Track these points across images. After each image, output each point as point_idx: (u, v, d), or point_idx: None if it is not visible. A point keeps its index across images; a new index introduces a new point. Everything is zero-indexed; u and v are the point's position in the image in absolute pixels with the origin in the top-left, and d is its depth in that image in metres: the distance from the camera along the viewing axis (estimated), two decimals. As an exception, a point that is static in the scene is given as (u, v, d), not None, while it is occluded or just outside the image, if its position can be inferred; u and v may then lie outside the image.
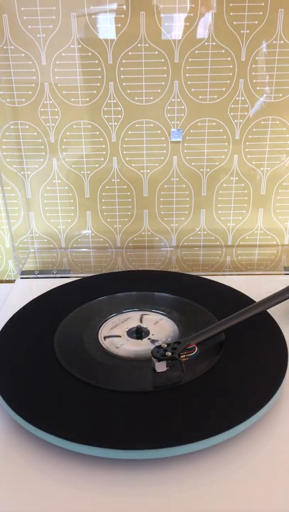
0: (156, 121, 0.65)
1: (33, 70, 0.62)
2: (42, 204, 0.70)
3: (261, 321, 0.50)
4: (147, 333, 0.50)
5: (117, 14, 0.60)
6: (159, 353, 0.42)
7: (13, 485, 0.35)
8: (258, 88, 0.63)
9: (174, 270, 0.73)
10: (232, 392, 0.41)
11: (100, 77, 0.63)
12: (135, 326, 0.50)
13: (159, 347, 0.42)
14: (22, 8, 0.59)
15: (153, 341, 0.48)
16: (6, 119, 0.65)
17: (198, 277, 0.63)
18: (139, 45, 0.61)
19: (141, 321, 0.52)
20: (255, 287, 0.63)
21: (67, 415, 0.39)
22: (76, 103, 0.64)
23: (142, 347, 0.47)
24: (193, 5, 0.59)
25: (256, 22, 0.59)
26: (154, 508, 0.33)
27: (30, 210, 0.71)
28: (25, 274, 0.69)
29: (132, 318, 0.52)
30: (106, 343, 0.48)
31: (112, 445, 0.35)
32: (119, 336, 0.49)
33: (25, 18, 0.60)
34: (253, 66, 0.62)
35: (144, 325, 0.51)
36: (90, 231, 0.72)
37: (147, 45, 0.61)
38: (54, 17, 0.60)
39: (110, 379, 0.43)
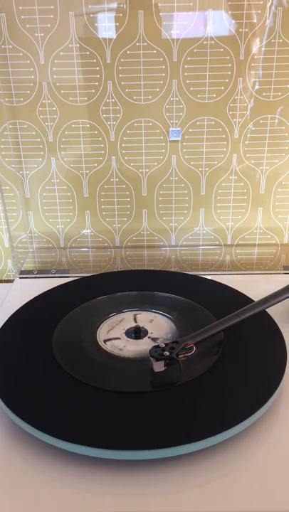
0: (155, 121, 0.65)
1: (32, 69, 0.62)
2: (41, 204, 0.70)
3: (260, 320, 0.50)
4: (146, 332, 0.50)
5: (116, 13, 0.59)
6: (157, 352, 0.42)
7: (13, 486, 0.35)
8: (256, 87, 0.63)
9: (173, 270, 0.73)
10: (231, 391, 0.41)
11: (98, 76, 0.63)
12: (134, 325, 0.50)
13: (157, 347, 0.42)
14: (20, 7, 0.59)
15: (151, 341, 0.48)
16: (4, 118, 0.65)
17: (197, 277, 0.63)
18: (137, 44, 0.61)
19: (140, 320, 0.52)
20: (254, 286, 0.63)
21: (66, 416, 0.39)
22: (75, 102, 0.64)
23: (140, 347, 0.47)
24: (191, 4, 0.59)
25: (255, 21, 0.59)
26: (154, 508, 0.33)
27: (28, 209, 0.71)
28: (24, 273, 0.69)
29: (131, 318, 0.52)
30: (104, 343, 0.48)
31: (111, 445, 0.35)
32: (118, 336, 0.49)
33: (23, 17, 0.60)
34: (252, 65, 0.61)
35: (142, 325, 0.51)
36: (89, 231, 0.72)
37: (146, 44, 0.61)
38: (52, 16, 0.59)
39: (109, 379, 0.43)
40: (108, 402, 0.40)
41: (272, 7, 0.58)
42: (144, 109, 0.64)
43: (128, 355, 0.46)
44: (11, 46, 0.61)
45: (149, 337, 0.49)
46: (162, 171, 0.68)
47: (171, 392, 0.41)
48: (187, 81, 0.63)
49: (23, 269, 0.71)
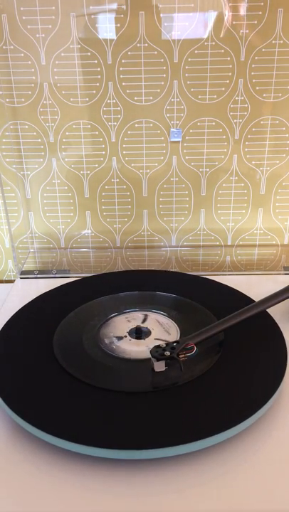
0: (156, 121, 0.65)
1: (33, 69, 0.62)
2: (41, 204, 0.70)
3: (261, 320, 0.50)
4: (147, 333, 0.50)
5: (117, 14, 0.60)
6: (157, 352, 0.42)
7: (14, 485, 0.35)
8: (257, 88, 0.63)
9: (173, 270, 0.73)
10: (231, 391, 0.41)
11: (99, 76, 0.63)
12: (135, 326, 0.50)
13: (158, 346, 0.42)
14: (21, 8, 0.59)
15: (152, 341, 0.48)
16: (5, 119, 0.65)
17: (197, 277, 0.63)
18: (138, 45, 0.61)
19: (140, 321, 0.52)
20: (255, 287, 0.63)
21: (67, 415, 0.39)
22: (75, 103, 0.64)
23: (141, 347, 0.47)
24: (192, 5, 0.59)
25: (255, 22, 0.59)
26: (154, 508, 0.33)
27: (29, 210, 0.71)
28: (25, 274, 0.69)
29: (131, 318, 0.53)
30: (105, 344, 0.48)
31: (112, 445, 0.35)
32: (119, 336, 0.49)
33: (24, 17, 0.60)
34: (253, 66, 0.62)
35: (143, 325, 0.51)
36: (89, 231, 0.72)
37: (147, 45, 0.61)
38: (53, 17, 0.60)
39: (109, 379, 0.43)
40: (108, 402, 0.40)
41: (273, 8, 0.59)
42: (144, 110, 0.64)
43: (129, 356, 0.46)
44: (12, 47, 0.61)
45: (149, 337, 0.49)
46: (163, 171, 0.68)
47: (172, 392, 0.41)
48: (188, 82, 0.63)
49: (23, 269, 0.71)
